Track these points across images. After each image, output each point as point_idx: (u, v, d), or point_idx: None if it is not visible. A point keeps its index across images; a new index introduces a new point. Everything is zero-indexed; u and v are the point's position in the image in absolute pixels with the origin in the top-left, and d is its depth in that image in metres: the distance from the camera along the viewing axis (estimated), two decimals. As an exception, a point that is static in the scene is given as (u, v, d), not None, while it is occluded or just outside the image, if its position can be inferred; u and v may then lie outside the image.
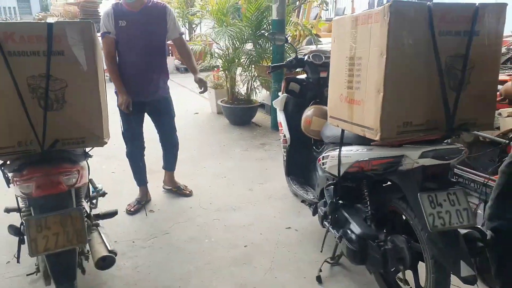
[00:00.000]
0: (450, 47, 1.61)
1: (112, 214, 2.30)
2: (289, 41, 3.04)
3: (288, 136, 2.91)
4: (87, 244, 2.03)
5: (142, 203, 3.19)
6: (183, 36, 3.14)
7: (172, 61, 9.93)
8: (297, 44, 6.25)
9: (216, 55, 5.54)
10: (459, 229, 1.71)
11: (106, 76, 2.33)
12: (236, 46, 5.29)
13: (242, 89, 5.73)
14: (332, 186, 2.25)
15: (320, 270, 2.35)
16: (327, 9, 17.11)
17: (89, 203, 2.36)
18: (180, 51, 3.10)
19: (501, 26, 1.67)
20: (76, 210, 1.72)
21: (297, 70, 2.95)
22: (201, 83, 3.05)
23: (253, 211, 3.15)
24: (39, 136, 1.60)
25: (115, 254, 1.96)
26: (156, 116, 3.15)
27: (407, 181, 1.77)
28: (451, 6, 1.60)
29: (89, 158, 2.03)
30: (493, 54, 1.69)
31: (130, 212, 3.09)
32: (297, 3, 6.93)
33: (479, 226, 1.81)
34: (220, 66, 5.68)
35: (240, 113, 5.56)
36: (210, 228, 2.91)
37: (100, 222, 2.25)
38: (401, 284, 2.03)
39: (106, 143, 1.77)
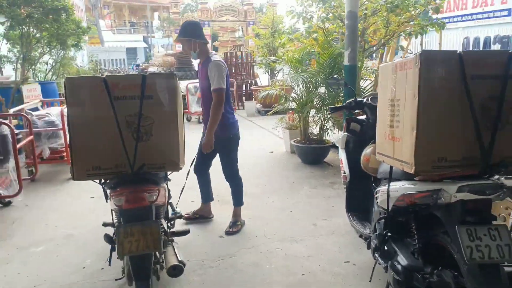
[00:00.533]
0: (484, 90, 1.73)
1: (184, 232, 2.68)
2: (347, 85, 3.27)
3: (347, 173, 3.08)
4: (163, 255, 2.41)
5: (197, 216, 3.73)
6: (217, 91, 3.19)
7: (254, 105, 10.61)
8: (375, 88, 6.42)
9: (290, 98, 5.93)
10: (503, 266, 1.74)
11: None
12: (310, 89, 5.64)
13: (315, 129, 6.00)
14: (383, 220, 2.37)
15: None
16: (411, 53, 16.90)
17: (167, 222, 2.77)
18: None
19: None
20: (155, 223, 2.11)
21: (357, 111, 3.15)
22: (204, 145, 3.31)
23: (314, 244, 3.31)
24: (131, 160, 2.04)
25: (184, 264, 2.30)
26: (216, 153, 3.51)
27: (447, 214, 1.86)
28: (484, 52, 1.75)
29: (169, 182, 2.45)
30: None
31: (184, 218, 3.61)
32: (374, 48, 7.15)
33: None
34: (294, 108, 6.05)
35: (312, 152, 5.79)
36: (271, 255, 3.14)
37: (175, 239, 2.63)
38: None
39: (181, 168, 2.18)
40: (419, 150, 1.74)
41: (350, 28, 4.92)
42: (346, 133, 3.17)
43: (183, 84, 10.64)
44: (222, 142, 3.38)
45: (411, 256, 2.12)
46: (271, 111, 6.81)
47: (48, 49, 8.46)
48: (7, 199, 4.25)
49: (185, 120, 10.00)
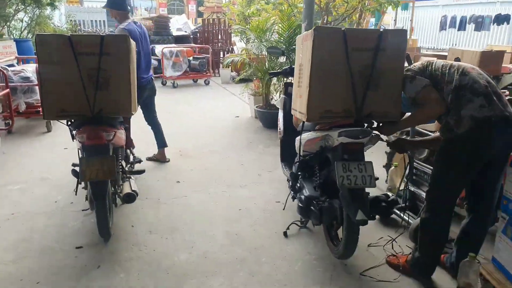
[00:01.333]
0: (361, 59, 2.28)
1: (140, 172, 3.25)
2: (284, 54, 3.77)
3: (282, 129, 3.64)
4: (121, 187, 2.96)
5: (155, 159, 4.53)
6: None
7: (229, 72, 11.00)
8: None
9: (253, 66, 6.41)
10: (367, 191, 2.36)
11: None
12: (272, 58, 6.12)
13: (275, 96, 6.53)
14: (297, 163, 2.96)
15: (288, 228, 3.05)
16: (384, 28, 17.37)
17: (127, 164, 3.31)
18: None
19: (402, 45, 2.32)
20: (111, 157, 2.64)
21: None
22: None
23: (255, 188, 3.91)
24: (91, 105, 2.54)
25: (137, 193, 2.87)
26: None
27: (333, 155, 2.46)
28: (362, 30, 2.29)
29: (125, 127, 2.97)
30: (397, 65, 2.33)
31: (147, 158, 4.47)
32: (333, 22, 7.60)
33: (388, 193, 2.43)
34: (259, 76, 6.54)
35: (271, 117, 6.32)
36: (218, 196, 3.73)
37: (132, 177, 3.18)
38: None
39: (133, 114, 2.69)
40: (310, 103, 2.30)
41: (307, 1, 5.36)
42: (283, 96, 3.71)
43: (158, 48, 10.93)
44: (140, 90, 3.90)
45: (312, 189, 2.74)
46: (237, 78, 7.28)
47: (22, 6, 8.60)
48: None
49: (160, 84, 10.38)
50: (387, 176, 3.71)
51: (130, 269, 2.59)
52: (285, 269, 2.63)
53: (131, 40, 2.67)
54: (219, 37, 13.18)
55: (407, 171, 3.02)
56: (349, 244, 2.43)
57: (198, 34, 13.95)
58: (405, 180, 3.03)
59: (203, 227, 3.16)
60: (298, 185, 2.91)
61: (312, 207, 2.62)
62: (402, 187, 3.20)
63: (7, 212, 3.32)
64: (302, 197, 2.70)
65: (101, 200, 2.62)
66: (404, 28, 13.81)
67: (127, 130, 3.60)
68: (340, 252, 2.54)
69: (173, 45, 11.32)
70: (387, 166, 3.82)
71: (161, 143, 4.56)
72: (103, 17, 32.01)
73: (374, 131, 2.41)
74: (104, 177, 2.58)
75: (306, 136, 2.72)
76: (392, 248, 2.81)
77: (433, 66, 2.28)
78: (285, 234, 3.03)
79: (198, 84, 10.89)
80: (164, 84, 10.45)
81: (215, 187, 3.94)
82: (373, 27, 11.70)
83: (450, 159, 2.22)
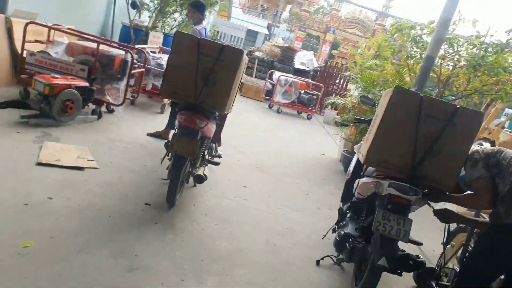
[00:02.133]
0: (431, 127, 2.46)
1: (216, 163, 3.75)
2: (375, 105, 3.98)
3: (350, 171, 3.84)
4: (197, 170, 3.50)
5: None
6: None
7: (333, 114, 11.30)
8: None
9: (352, 112, 6.65)
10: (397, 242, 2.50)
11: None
12: (373, 110, 6.31)
13: (364, 147, 6.66)
14: (349, 203, 3.17)
15: (322, 259, 3.24)
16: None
17: (209, 154, 3.86)
18: None
19: (475, 126, 2.44)
20: (196, 140, 3.17)
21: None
22: None
23: (309, 217, 4.14)
24: (196, 95, 3.12)
25: (206, 177, 3.37)
26: None
27: (379, 202, 2.64)
28: (439, 100, 2.48)
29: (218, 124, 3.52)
30: (464, 142, 2.45)
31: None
32: (451, 97, 7.46)
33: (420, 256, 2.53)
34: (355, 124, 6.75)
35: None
36: (273, 210, 4.06)
37: (208, 165, 3.71)
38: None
39: (226, 113, 3.22)
40: (371, 148, 2.55)
41: (423, 69, 5.52)
42: (362, 143, 3.93)
43: (276, 74, 11.76)
44: None
45: (354, 229, 2.93)
46: (335, 119, 7.57)
47: (179, 8, 10.10)
48: (112, 107, 5.71)
49: (267, 107, 11.15)
50: (443, 253, 3.65)
51: (178, 235, 3.05)
52: (304, 284, 2.83)
53: (244, 55, 3.21)
54: (337, 80, 13.63)
55: (459, 250, 3.01)
56: (366, 285, 2.56)
57: (318, 72, 14.59)
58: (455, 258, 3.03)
59: (250, 228, 3.51)
60: (344, 222, 3.10)
61: (346, 244, 2.81)
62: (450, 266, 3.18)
63: (108, 160, 4.08)
64: (342, 232, 2.91)
65: (177, 171, 3.15)
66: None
67: (219, 127, 4.18)
68: (357, 291, 2.68)
69: (291, 75, 12.05)
70: (445, 244, 3.75)
71: (172, 125, 5.02)
72: (243, 35, 34.96)
73: (421, 192, 2.54)
74: (187, 154, 3.12)
75: (363, 180, 2.93)
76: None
77: (502, 155, 2.36)
78: (317, 262, 3.23)
79: (301, 116, 11.39)
80: (270, 107, 11.18)
81: (275, 202, 4.28)
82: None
83: (489, 245, 2.26)
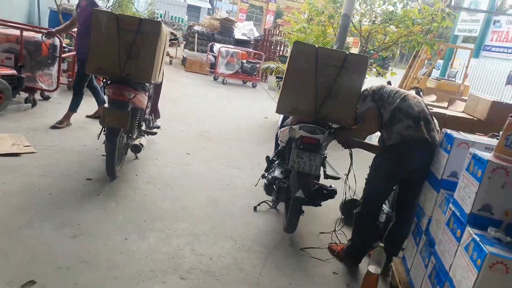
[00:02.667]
0: (326, 72, 2.79)
1: (153, 133, 3.93)
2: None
3: (278, 126, 4.15)
4: (134, 140, 3.67)
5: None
6: None
7: (274, 79, 11.62)
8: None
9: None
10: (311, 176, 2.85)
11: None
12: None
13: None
14: (276, 151, 3.50)
15: (259, 205, 3.57)
16: (438, 69, 17.29)
17: (145, 124, 4.02)
18: None
19: (363, 68, 2.79)
20: (127, 112, 3.33)
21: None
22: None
23: (249, 173, 4.45)
24: (121, 68, 3.26)
25: (143, 146, 3.57)
26: None
27: (294, 144, 2.97)
28: (331, 50, 2.80)
29: (147, 93, 3.68)
30: (355, 84, 2.80)
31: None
32: (372, 51, 7.92)
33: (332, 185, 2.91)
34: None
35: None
36: (215, 171, 4.33)
37: (146, 136, 3.89)
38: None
39: (151, 82, 3.38)
40: (281, 99, 2.86)
41: (342, 27, 5.86)
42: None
43: (217, 46, 11.83)
44: (81, 62, 4.71)
45: (280, 173, 3.25)
46: (271, 83, 7.87)
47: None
48: (47, 94, 5.66)
49: (212, 79, 11.26)
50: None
51: (120, 203, 3.25)
52: (241, 231, 3.16)
53: (163, 26, 3.36)
54: (278, 48, 13.88)
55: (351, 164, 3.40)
56: (291, 219, 2.92)
57: (259, 41, 14.76)
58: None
59: (192, 189, 3.77)
60: (272, 169, 3.43)
61: (273, 186, 3.14)
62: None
63: (45, 144, 4.14)
64: (269, 176, 3.23)
65: (112, 143, 3.32)
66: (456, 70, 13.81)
67: (155, 99, 4.34)
68: (285, 225, 3.04)
69: (231, 46, 12.16)
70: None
71: (102, 101, 5.17)
72: (184, 12, 34.08)
73: (327, 131, 2.90)
74: (118, 125, 3.29)
75: (282, 128, 3.25)
76: (337, 238, 3.24)
77: (384, 90, 2.75)
78: (254, 208, 3.56)
79: (246, 86, 11.61)
80: (215, 79, 11.30)
81: (217, 164, 4.55)
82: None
83: (380, 165, 2.67)
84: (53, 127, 4.68)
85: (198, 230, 3.06)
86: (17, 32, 5.26)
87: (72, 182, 3.45)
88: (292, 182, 2.86)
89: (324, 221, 3.60)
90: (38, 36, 5.39)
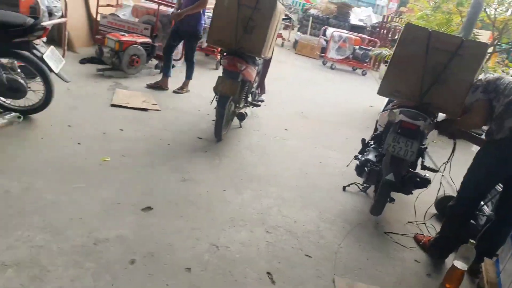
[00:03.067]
0: (437, 58, 2.74)
1: (257, 105, 4.25)
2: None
3: (381, 111, 4.15)
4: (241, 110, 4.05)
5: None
6: None
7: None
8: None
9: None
10: (405, 162, 2.86)
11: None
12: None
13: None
14: (373, 134, 3.54)
15: (348, 185, 3.68)
16: None
17: (252, 97, 4.37)
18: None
19: (480, 57, 2.66)
20: (236, 81, 3.69)
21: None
22: (175, 14, 4.98)
23: (344, 154, 4.54)
24: (236, 42, 3.60)
25: (247, 114, 3.94)
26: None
27: (393, 128, 2.99)
28: (446, 34, 2.73)
29: (256, 67, 4.00)
30: (468, 71, 2.70)
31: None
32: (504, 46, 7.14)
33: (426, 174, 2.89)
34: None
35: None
36: (310, 147, 4.52)
37: (250, 107, 4.24)
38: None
39: (262, 57, 3.68)
40: (384, 81, 2.90)
41: (469, 15, 5.46)
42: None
43: (330, 30, 11.78)
44: (192, 34, 5.11)
45: (374, 156, 3.31)
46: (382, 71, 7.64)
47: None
48: (172, 62, 6.39)
49: (321, 63, 11.31)
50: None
51: (223, 161, 3.66)
52: (327, 205, 3.32)
53: (278, 4, 3.60)
54: (396, 36, 13.26)
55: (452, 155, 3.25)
56: (378, 200, 2.98)
57: (377, 28, 14.25)
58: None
59: (285, 160, 4.03)
60: (366, 151, 3.49)
61: (365, 168, 3.22)
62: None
63: (168, 105, 4.77)
64: (362, 158, 3.31)
65: (221, 108, 3.72)
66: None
67: (261, 75, 4.66)
68: (371, 207, 3.11)
69: (345, 31, 11.98)
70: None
71: (188, 75, 5.41)
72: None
73: (430, 119, 2.85)
74: (229, 93, 3.67)
75: (382, 112, 3.28)
76: (427, 230, 3.20)
77: (501, 81, 2.59)
78: (344, 188, 3.67)
79: (356, 73, 11.41)
80: (324, 63, 11.34)
81: (312, 143, 4.73)
82: None
83: (482, 158, 2.56)
84: (175, 92, 5.30)
85: (286, 196, 3.31)
86: (155, 6, 6.02)
87: (186, 138, 3.96)
88: (385, 165, 2.91)
89: (414, 212, 3.56)
90: (170, 10, 6.10)
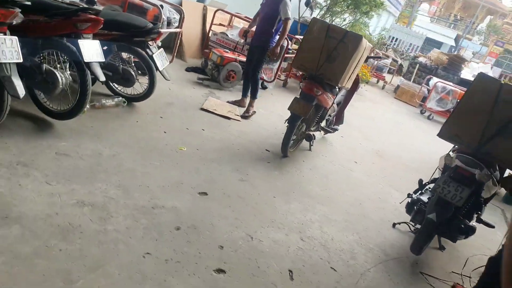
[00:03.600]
0: (506, 111, 2.73)
1: (328, 131, 4.48)
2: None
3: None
4: (312, 132, 4.33)
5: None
6: (287, 21, 4.90)
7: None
8: None
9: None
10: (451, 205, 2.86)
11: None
12: None
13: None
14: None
15: (399, 223, 3.68)
16: None
17: (326, 124, 4.63)
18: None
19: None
20: (311, 104, 3.99)
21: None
22: (272, 52, 5.06)
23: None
24: (317, 68, 3.93)
25: (314, 137, 4.19)
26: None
27: (447, 172, 3.01)
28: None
29: (334, 95, 4.26)
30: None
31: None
32: None
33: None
34: None
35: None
36: (372, 182, 4.58)
37: (322, 132, 4.49)
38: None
39: (337, 86, 3.95)
40: (445, 125, 2.95)
41: None
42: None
43: (433, 80, 11.43)
44: (261, 48, 5.11)
45: (426, 197, 3.32)
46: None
47: (346, 8, 10.89)
48: (265, 84, 6.95)
49: (419, 112, 11.01)
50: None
51: (282, 174, 3.96)
52: (370, 234, 3.39)
53: (364, 40, 3.86)
54: None
55: None
56: (418, 238, 3.01)
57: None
58: None
59: (344, 188, 4.17)
60: (421, 192, 3.50)
61: (415, 206, 3.25)
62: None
63: (250, 119, 5.24)
64: (415, 197, 3.34)
65: (291, 126, 4.05)
66: None
67: (341, 106, 4.90)
68: (411, 244, 3.11)
69: (451, 84, 11.51)
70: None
71: (253, 94, 5.28)
72: (419, 43, 33.28)
73: (485, 171, 2.81)
74: (299, 113, 3.98)
75: (442, 155, 3.29)
76: (469, 284, 3.09)
77: None
78: (393, 225, 3.69)
79: (454, 127, 10.84)
80: (422, 112, 11.06)
81: (378, 179, 4.76)
82: None
83: None
84: (243, 116, 5.18)
85: (332, 217, 3.46)
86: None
87: (255, 147, 4.36)
88: (430, 205, 2.93)
89: (464, 264, 3.42)
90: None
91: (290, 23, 5.07)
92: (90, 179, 2.79)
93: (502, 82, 2.79)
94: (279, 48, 5.12)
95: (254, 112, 5.34)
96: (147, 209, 2.69)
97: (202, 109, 4.94)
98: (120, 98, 4.08)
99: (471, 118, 2.86)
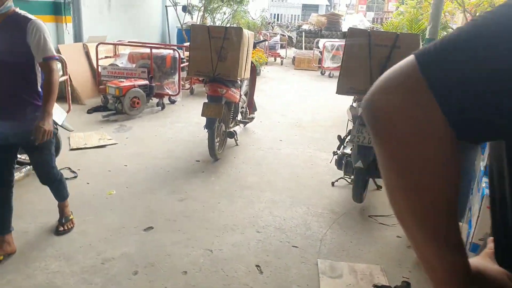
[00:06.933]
0: (380, 53, 3.05)
1: (246, 122, 4.61)
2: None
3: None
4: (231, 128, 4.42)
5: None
6: (52, 59, 2.39)
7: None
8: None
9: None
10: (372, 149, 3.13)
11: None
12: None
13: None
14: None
15: (336, 180, 3.95)
16: None
17: (240, 115, 4.75)
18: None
19: (415, 45, 2.97)
20: (220, 104, 4.08)
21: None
22: (36, 131, 2.35)
23: (336, 155, 4.81)
24: (214, 70, 4.01)
25: (236, 133, 4.27)
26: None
27: (356, 121, 3.28)
28: (381, 32, 3.06)
29: (238, 89, 4.38)
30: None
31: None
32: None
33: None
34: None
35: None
36: (302, 153, 4.82)
37: (241, 125, 4.61)
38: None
39: (238, 79, 4.07)
40: (339, 81, 3.21)
41: (435, 5, 5.73)
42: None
43: (321, 42, 12.18)
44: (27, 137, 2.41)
45: (348, 149, 3.59)
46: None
47: (221, 2, 11.08)
48: (173, 98, 6.89)
49: (319, 74, 11.67)
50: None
51: (219, 177, 4.02)
52: (315, 200, 3.61)
53: (245, 31, 4.01)
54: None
55: None
56: (354, 188, 3.26)
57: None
58: None
59: (278, 168, 4.35)
60: (344, 146, 3.78)
61: (342, 161, 3.50)
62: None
63: (170, 136, 5.21)
64: (339, 153, 3.60)
65: (210, 130, 4.11)
66: None
67: (249, 95, 5.05)
68: (352, 195, 3.37)
69: (336, 40, 12.36)
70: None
71: (62, 196, 2.96)
72: (299, 12, 34.98)
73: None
74: (214, 116, 4.05)
75: (348, 107, 3.59)
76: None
77: None
78: (332, 183, 3.95)
79: (354, 77, 11.68)
80: (322, 73, 11.71)
81: (305, 148, 5.03)
82: None
83: None
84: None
85: (277, 198, 3.61)
86: (148, 50, 6.59)
87: (184, 162, 4.35)
88: (353, 155, 3.20)
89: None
90: (164, 51, 6.65)
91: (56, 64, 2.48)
92: (24, 262, 2.60)
93: (369, 30, 3.11)
94: (49, 125, 2.43)
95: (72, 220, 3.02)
96: (97, 266, 2.58)
97: (72, 149, 4.55)
98: (28, 167, 3.81)
99: (356, 69, 3.15)
